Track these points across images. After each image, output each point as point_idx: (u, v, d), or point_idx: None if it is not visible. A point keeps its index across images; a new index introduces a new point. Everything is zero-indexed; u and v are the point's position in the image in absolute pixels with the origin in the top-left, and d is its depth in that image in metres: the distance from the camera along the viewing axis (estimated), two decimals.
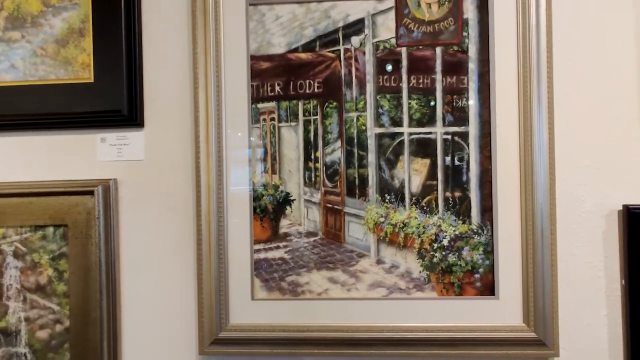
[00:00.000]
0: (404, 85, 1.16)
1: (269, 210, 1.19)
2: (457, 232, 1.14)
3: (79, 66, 1.19)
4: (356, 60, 1.17)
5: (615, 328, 1.14)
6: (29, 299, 1.20)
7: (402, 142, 1.16)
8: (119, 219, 1.21)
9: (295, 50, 1.18)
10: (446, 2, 1.14)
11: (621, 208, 1.12)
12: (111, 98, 1.17)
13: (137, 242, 1.21)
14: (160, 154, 1.20)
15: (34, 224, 1.20)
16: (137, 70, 1.19)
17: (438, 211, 1.15)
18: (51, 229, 1.20)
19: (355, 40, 1.17)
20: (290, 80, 1.18)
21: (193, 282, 1.19)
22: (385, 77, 1.16)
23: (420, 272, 1.15)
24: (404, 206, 1.16)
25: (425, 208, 1.15)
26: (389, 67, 1.15)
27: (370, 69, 1.16)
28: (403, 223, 1.16)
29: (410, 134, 1.16)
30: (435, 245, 1.15)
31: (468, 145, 1.14)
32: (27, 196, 1.19)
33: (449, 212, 1.15)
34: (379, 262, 1.17)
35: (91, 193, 1.17)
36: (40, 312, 1.20)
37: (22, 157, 1.22)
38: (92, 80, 1.18)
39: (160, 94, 1.20)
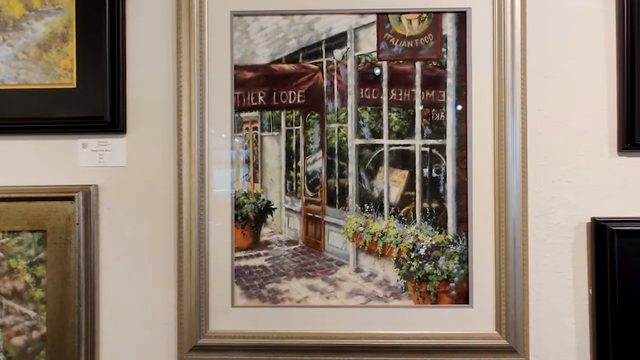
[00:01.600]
0: (384, 98, 1.18)
1: (250, 218, 1.20)
2: (433, 242, 1.17)
3: (61, 71, 1.19)
4: (338, 72, 1.19)
5: (583, 336, 1.18)
6: (4, 305, 1.18)
7: (381, 154, 1.18)
8: (99, 225, 1.20)
9: (279, 61, 1.19)
10: (426, 19, 1.18)
11: (589, 221, 1.17)
12: (93, 104, 1.17)
13: (117, 249, 1.20)
14: (142, 161, 1.20)
15: (11, 229, 1.18)
16: (120, 76, 1.18)
17: (415, 221, 1.18)
18: (29, 235, 1.18)
19: (337, 53, 1.19)
20: (274, 90, 1.19)
21: (173, 289, 1.19)
22: (366, 89, 1.19)
23: (397, 280, 1.18)
24: (383, 216, 1.18)
25: (403, 218, 1.18)
26: (377, 71, 1.17)
27: (351, 81, 1.19)
28: (382, 232, 1.18)
29: (390, 145, 1.18)
30: (413, 254, 1.17)
31: (445, 158, 1.18)
32: (6, 201, 1.17)
33: (426, 223, 1.18)
34: (358, 270, 1.19)
35: (71, 199, 1.16)
36: (16, 319, 1.18)
37: (2, 162, 1.21)
38: (74, 86, 1.18)
39: (143, 100, 1.20)
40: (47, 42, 1.19)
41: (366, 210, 1.18)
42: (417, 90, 1.18)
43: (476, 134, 1.16)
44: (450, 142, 1.17)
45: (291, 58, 1.19)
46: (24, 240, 1.18)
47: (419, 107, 1.18)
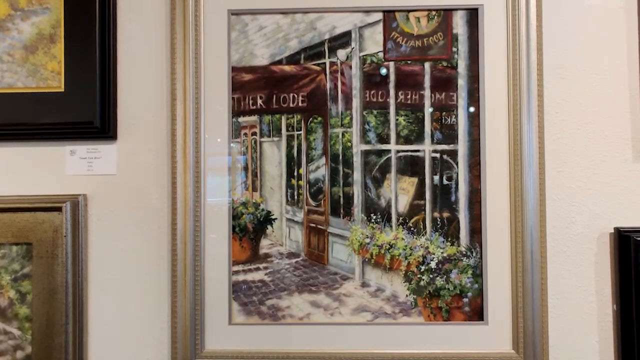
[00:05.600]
0: (392, 101, 1.12)
1: (249, 229, 1.13)
2: (445, 255, 1.10)
3: (48, 74, 1.13)
4: (342, 74, 1.13)
5: (607, 355, 1.11)
6: None
7: (389, 160, 1.12)
8: (87, 238, 1.14)
9: (279, 62, 1.13)
10: (435, 17, 1.12)
11: (613, 231, 1.10)
12: (82, 108, 1.11)
13: (107, 263, 1.14)
14: (133, 169, 1.14)
15: None
16: (110, 79, 1.13)
17: (426, 232, 1.11)
18: (14, 248, 1.12)
19: (341, 53, 1.13)
20: (273, 93, 1.13)
21: (167, 305, 1.13)
22: (372, 92, 1.12)
23: (406, 295, 1.11)
24: (391, 227, 1.12)
25: (412, 229, 1.11)
26: (384, 72, 1.11)
27: (356, 83, 1.12)
28: (389, 244, 1.11)
29: (398, 151, 1.12)
30: (423, 267, 1.11)
31: (457, 164, 1.11)
32: None
33: (437, 234, 1.11)
34: (364, 285, 1.12)
35: (59, 209, 1.10)
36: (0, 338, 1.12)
37: None
38: (62, 90, 1.12)
39: (134, 105, 1.15)
40: (34, 43, 1.14)
41: (373, 220, 1.12)
42: (427, 93, 1.12)
43: (490, 138, 1.10)
44: (462, 147, 1.11)
45: (292, 59, 1.13)
46: (8, 253, 1.12)
47: (428, 110, 1.12)
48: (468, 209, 1.10)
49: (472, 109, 1.11)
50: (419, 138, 1.12)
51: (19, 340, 1.12)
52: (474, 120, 1.11)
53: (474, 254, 1.10)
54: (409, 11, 1.12)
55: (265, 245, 1.13)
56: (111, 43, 1.13)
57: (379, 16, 1.12)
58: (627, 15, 1.11)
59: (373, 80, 1.12)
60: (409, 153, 1.12)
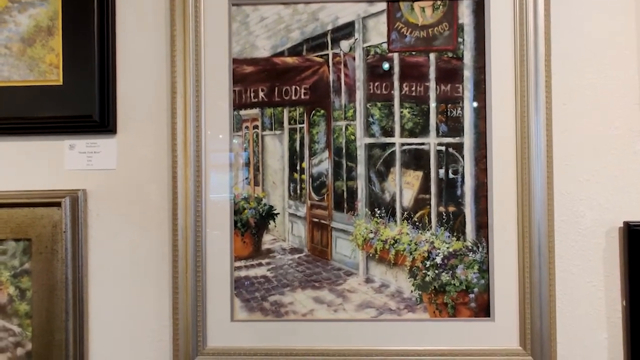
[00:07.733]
0: (396, 93, 1.10)
1: (251, 224, 1.11)
2: (450, 250, 1.08)
3: (46, 67, 1.11)
4: (345, 65, 1.10)
5: (616, 352, 1.09)
6: None
7: (393, 153, 1.10)
8: (87, 233, 1.13)
9: (281, 54, 1.11)
10: (440, 6, 1.09)
11: (622, 225, 1.08)
12: (81, 102, 1.09)
13: (107, 259, 1.13)
14: (133, 163, 1.13)
15: None
16: (109, 72, 1.11)
17: (431, 227, 1.09)
18: (13, 244, 1.11)
19: (344, 44, 1.10)
20: (275, 85, 1.11)
21: (168, 302, 1.11)
22: (376, 84, 1.10)
23: (411, 291, 1.09)
24: (395, 221, 1.10)
25: (417, 223, 1.09)
26: (387, 64, 1.08)
27: (360, 75, 1.10)
28: (394, 239, 1.09)
29: (402, 144, 1.10)
30: (428, 263, 1.09)
31: (463, 158, 1.09)
32: None
33: (442, 228, 1.09)
34: (368, 280, 1.10)
35: (58, 205, 1.09)
36: (0, 335, 1.10)
37: None
38: (60, 83, 1.10)
39: (134, 98, 1.13)
40: (32, 36, 1.12)
41: (377, 215, 1.10)
42: (432, 84, 1.09)
43: (496, 131, 1.08)
44: (468, 140, 1.09)
45: (294, 50, 1.11)
46: (8, 249, 1.11)
47: (433, 103, 1.09)
48: (474, 203, 1.08)
49: (478, 102, 1.08)
50: (424, 131, 1.09)
51: (19, 337, 1.10)
52: (480, 113, 1.08)
53: (480, 249, 1.08)
54: (413, 1, 1.09)
55: (267, 240, 1.12)
56: (110, 35, 1.11)
57: (382, 6, 1.10)
58: (638, 3, 1.08)
59: (377, 71, 1.10)
60: (414, 146, 1.10)
